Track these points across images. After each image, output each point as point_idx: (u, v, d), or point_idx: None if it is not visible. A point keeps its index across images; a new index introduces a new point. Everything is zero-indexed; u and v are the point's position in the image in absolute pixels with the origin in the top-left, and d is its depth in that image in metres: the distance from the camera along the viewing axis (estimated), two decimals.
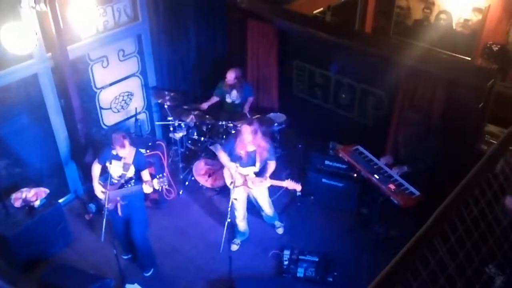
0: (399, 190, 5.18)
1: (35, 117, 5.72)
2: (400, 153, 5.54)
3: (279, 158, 6.50)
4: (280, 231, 5.96)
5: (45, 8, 4.80)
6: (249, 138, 5.05)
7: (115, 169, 4.90)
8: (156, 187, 4.88)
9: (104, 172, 5.06)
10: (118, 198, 4.92)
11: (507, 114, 5.67)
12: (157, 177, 4.85)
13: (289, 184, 5.13)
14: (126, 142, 4.76)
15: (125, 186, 4.95)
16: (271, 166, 5.27)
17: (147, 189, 4.87)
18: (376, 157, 5.62)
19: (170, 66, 6.92)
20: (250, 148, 5.17)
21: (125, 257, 5.63)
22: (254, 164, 5.21)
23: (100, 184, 5.03)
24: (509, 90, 6.47)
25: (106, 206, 4.70)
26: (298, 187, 5.16)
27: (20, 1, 4.74)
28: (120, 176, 4.92)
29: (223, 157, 5.33)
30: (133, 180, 4.98)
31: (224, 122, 6.37)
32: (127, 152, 4.83)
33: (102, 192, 4.93)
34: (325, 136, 6.79)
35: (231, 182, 5.23)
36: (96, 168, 5.04)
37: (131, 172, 4.93)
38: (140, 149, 5.16)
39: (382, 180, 5.30)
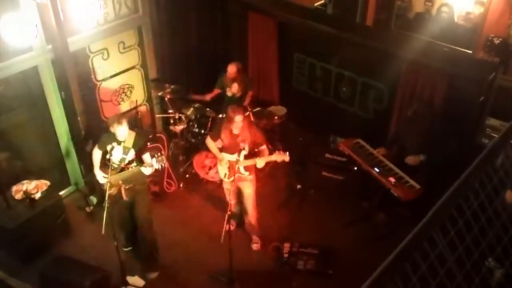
0: (400, 183, 5.19)
1: (35, 109, 5.72)
2: (406, 147, 5.50)
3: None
4: (255, 247, 5.75)
5: (45, 0, 4.78)
6: (240, 125, 5.01)
7: (115, 153, 4.92)
8: (156, 166, 4.90)
9: (105, 162, 5.07)
10: (121, 182, 4.94)
11: (508, 107, 5.66)
12: (155, 156, 4.89)
13: (277, 156, 5.08)
14: (124, 120, 4.79)
15: (125, 169, 4.98)
16: (265, 151, 5.21)
17: (146, 170, 4.91)
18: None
19: (171, 58, 6.90)
20: (236, 132, 5.11)
21: (126, 249, 5.65)
22: (242, 146, 5.15)
23: (101, 171, 5.07)
24: (510, 83, 6.45)
25: (107, 191, 4.69)
26: (286, 157, 5.07)
27: None
28: (120, 161, 4.95)
29: (213, 147, 5.35)
30: (134, 164, 4.99)
31: (224, 115, 6.35)
32: (126, 134, 4.86)
33: (104, 177, 4.96)
34: (326, 130, 6.78)
35: (225, 174, 5.30)
36: (96, 154, 5.06)
37: (131, 156, 4.95)
38: (140, 133, 5.17)
39: (383, 173, 5.30)
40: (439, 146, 5.20)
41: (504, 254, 2.32)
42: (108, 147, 4.91)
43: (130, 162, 4.99)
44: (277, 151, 5.14)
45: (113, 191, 4.90)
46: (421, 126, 5.29)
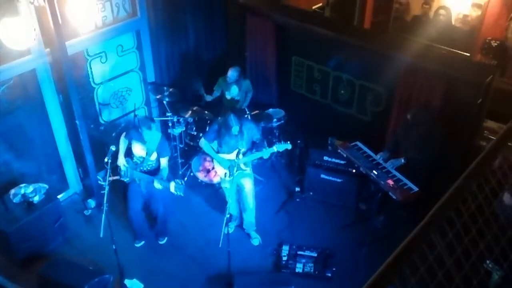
0: (398, 186, 5.18)
1: (33, 112, 5.70)
2: (401, 150, 5.52)
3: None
4: (255, 242, 5.83)
5: (43, 3, 4.78)
6: (237, 133, 5.12)
7: (138, 150, 5.16)
8: (172, 190, 4.98)
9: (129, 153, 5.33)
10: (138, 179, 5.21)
11: (506, 109, 5.67)
12: (175, 180, 4.97)
13: (279, 146, 5.21)
14: (153, 126, 4.99)
15: (144, 168, 5.23)
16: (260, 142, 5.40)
17: (157, 185, 5.03)
18: (374, 153, 5.62)
19: (169, 61, 6.90)
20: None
21: (138, 244, 5.73)
22: (240, 146, 5.24)
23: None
24: (508, 85, 6.46)
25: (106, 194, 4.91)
26: (288, 146, 5.21)
27: None
28: (141, 158, 5.18)
29: (209, 149, 5.40)
30: (153, 164, 5.24)
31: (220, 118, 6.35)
32: (152, 136, 5.05)
33: (125, 165, 5.21)
34: (324, 132, 6.78)
35: (225, 174, 5.34)
36: (123, 142, 5.26)
37: (153, 157, 5.18)
38: (164, 137, 5.35)
39: (381, 176, 5.30)
40: (436, 148, 5.22)
41: (502, 256, 2.33)
42: (132, 142, 5.16)
43: (149, 163, 5.20)
44: (277, 143, 5.24)
45: (128, 180, 5.25)
46: (419, 130, 5.30)
